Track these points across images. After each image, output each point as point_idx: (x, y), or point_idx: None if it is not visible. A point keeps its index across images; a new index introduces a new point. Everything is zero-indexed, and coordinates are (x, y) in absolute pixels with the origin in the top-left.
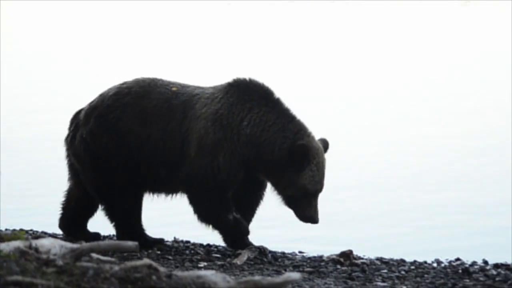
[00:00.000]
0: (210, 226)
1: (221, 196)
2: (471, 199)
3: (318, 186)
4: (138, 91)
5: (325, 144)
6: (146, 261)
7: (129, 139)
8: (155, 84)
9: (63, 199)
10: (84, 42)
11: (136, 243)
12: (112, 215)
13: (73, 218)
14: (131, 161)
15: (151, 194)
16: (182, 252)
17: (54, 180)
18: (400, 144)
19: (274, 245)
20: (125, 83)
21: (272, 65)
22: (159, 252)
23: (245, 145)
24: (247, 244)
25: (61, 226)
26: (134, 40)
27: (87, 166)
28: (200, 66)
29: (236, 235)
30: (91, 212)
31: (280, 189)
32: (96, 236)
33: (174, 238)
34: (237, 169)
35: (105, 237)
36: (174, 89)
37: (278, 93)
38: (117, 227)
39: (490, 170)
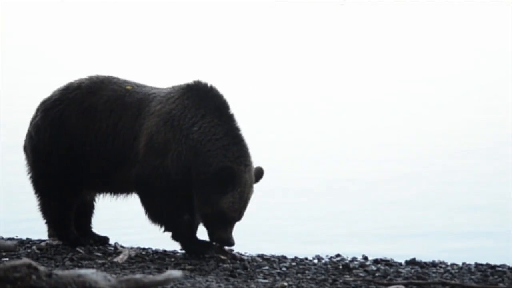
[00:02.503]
0: (162, 227)
1: (174, 196)
2: (354, 195)
3: (235, 214)
4: (89, 86)
5: (259, 173)
6: (25, 260)
7: (73, 135)
8: (108, 81)
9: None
10: (77, 41)
11: (15, 242)
12: (45, 212)
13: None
14: (72, 158)
15: (97, 193)
16: (63, 251)
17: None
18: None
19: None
20: (79, 79)
21: (268, 65)
22: (39, 251)
23: (190, 150)
24: (204, 246)
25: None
26: (129, 39)
27: (29, 159)
28: (178, 66)
29: (190, 236)
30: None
31: (200, 206)
32: (105, 240)
33: None
34: (185, 173)
35: None
36: (128, 87)
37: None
38: (49, 224)
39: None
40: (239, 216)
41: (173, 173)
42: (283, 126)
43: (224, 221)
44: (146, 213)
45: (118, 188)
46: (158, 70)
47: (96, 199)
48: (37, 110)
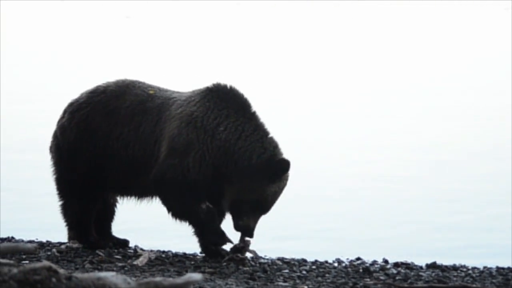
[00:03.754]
0: (186, 221)
1: (193, 192)
2: (370, 197)
3: (271, 205)
4: (114, 90)
5: None
6: (45, 263)
7: (97, 138)
8: (133, 85)
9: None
10: (79, 41)
11: (35, 245)
12: (66, 213)
13: (96, 226)
14: (95, 160)
15: (120, 197)
16: (83, 254)
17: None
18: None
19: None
20: (106, 82)
21: (266, 66)
22: (58, 254)
23: (217, 150)
24: (223, 250)
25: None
26: (135, 39)
27: (53, 159)
28: (193, 67)
29: (211, 225)
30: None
31: (240, 193)
32: (125, 243)
33: None
34: (207, 172)
35: (3, 240)
36: (151, 92)
37: (265, 103)
38: (69, 226)
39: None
40: (269, 208)
41: (193, 172)
42: (301, 127)
43: (257, 210)
44: (168, 212)
45: (140, 192)
46: (162, 75)
47: (119, 202)
48: (64, 111)
